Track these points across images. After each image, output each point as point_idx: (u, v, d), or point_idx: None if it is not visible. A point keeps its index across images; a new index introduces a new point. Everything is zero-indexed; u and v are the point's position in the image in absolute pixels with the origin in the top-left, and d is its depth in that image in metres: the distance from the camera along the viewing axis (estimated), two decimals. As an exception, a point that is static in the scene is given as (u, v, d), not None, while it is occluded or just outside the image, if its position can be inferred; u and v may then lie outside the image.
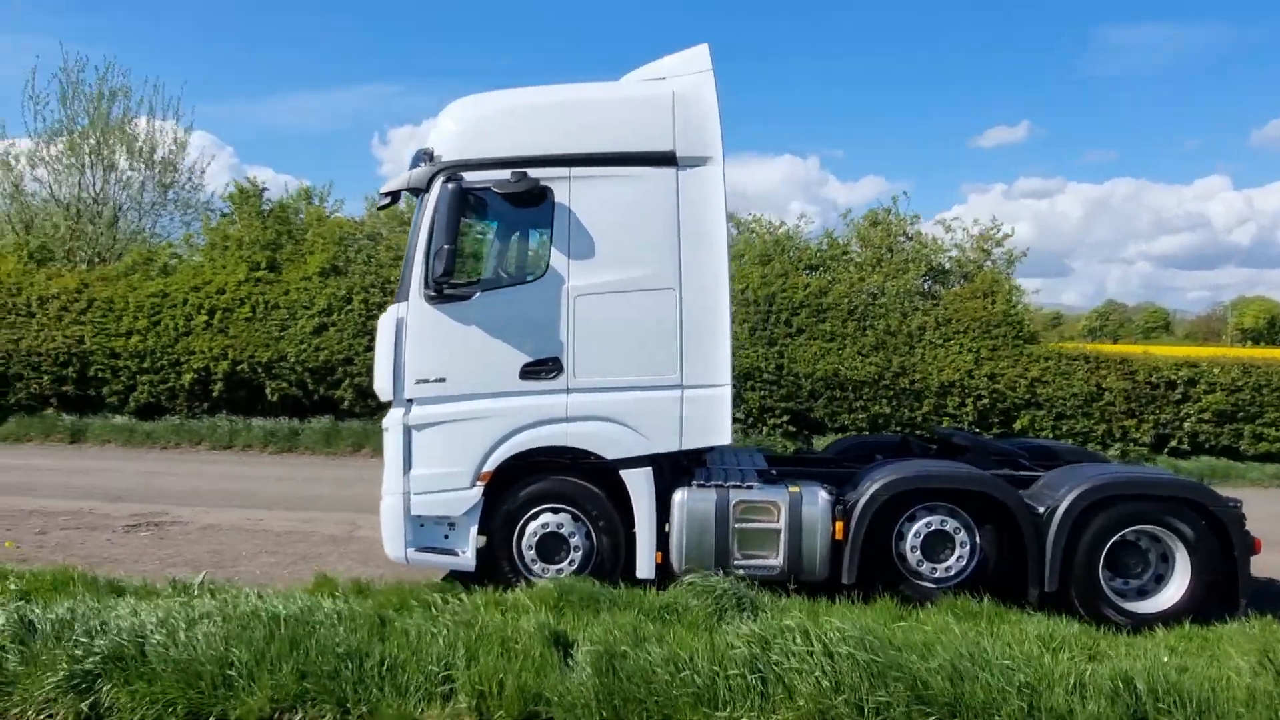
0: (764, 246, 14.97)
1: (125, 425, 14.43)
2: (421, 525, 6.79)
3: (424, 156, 6.83)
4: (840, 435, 12.64)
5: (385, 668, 4.55)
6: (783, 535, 6.53)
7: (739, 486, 6.65)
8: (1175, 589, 6.39)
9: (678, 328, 6.60)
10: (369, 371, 8.04)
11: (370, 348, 8.57)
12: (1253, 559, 6.29)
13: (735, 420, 12.10)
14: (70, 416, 14.65)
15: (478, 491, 6.68)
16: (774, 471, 7.17)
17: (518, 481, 6.77)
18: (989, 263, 14.83)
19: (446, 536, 6.81)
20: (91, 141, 19.08)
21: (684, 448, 6.67)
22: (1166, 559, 6.46)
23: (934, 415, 13.33)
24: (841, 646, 4.43)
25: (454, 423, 6.73)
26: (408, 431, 6.76)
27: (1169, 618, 6.24)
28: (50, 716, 4.39)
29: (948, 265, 14.81)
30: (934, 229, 15.65)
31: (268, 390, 14.36)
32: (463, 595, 5.89)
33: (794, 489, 6.59)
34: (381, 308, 8.66)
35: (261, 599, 5.33)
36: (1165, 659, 4.87)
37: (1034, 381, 13.26)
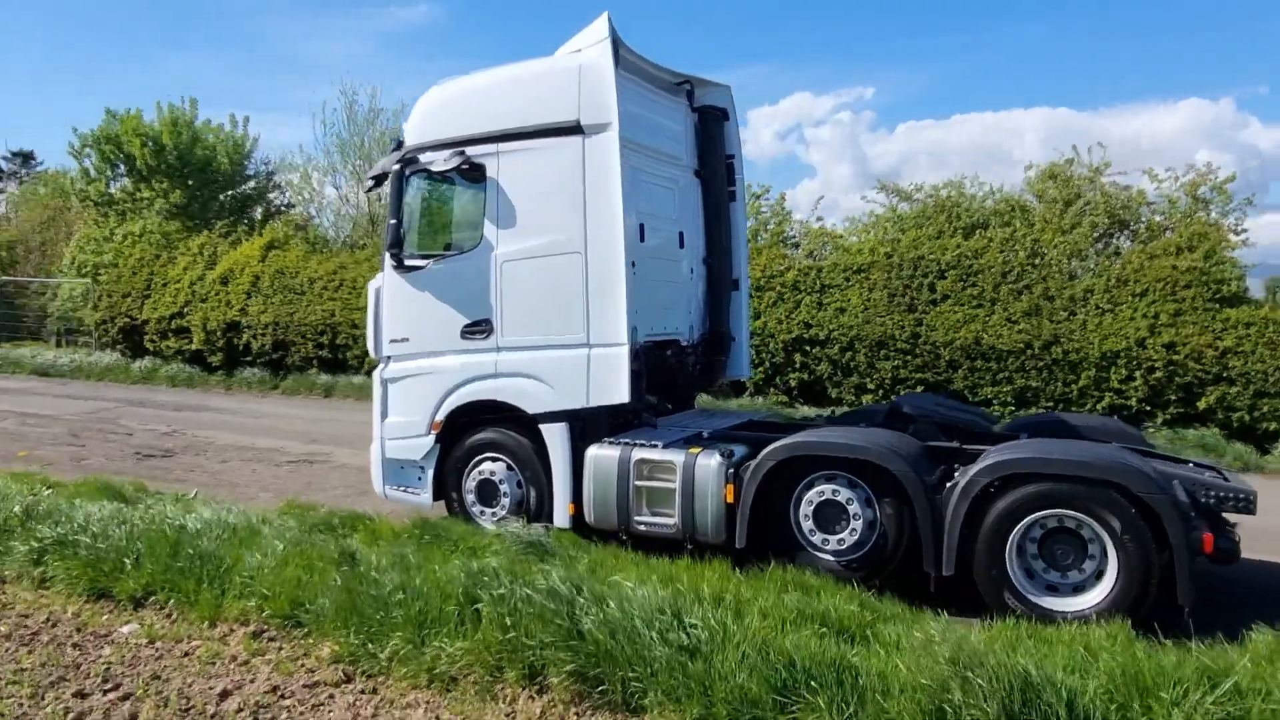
0: (924, 208, 13.95)
1: (362, 384, 17.29)
2: (401, 468, 7.78)
3: (395, 144, 7.75)
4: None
5: (223, 570, 5.58)
6: (678, 495, 6.56)
7: (643, 445, 6.78)
8: (1102, 587, 5.47)
9: (584, 289, 6.86)
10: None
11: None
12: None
13: (867, 391, 11.82)
14: (325, 376, 17.88)
15: (431, 439, 7.51)
16: (705, 434, 7.13)
17: (467, 432, 7.50)
18: (1203, 212, 12.48)
19: (419, 479, 7.74)
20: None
21: (590, 404, 6.91)
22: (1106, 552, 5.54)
23: (1093, 390, 11.64)
24: (535, 592, 4.63)
25: (414, 377, 7.62)
26: (384, 385, 7.79)
27: (1087, 619, 5.36)
28: (20, 576, 6.02)
29: (1144, 218, 12.70)
30: (1139, 179, 13.47)
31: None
32: (362, 525, 6.75)
33: (694, 450, 6.58)
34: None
35: (211, 511, 6.64)
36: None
37: (1226, 352, 11.04)
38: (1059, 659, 4.11)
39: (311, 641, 4.92)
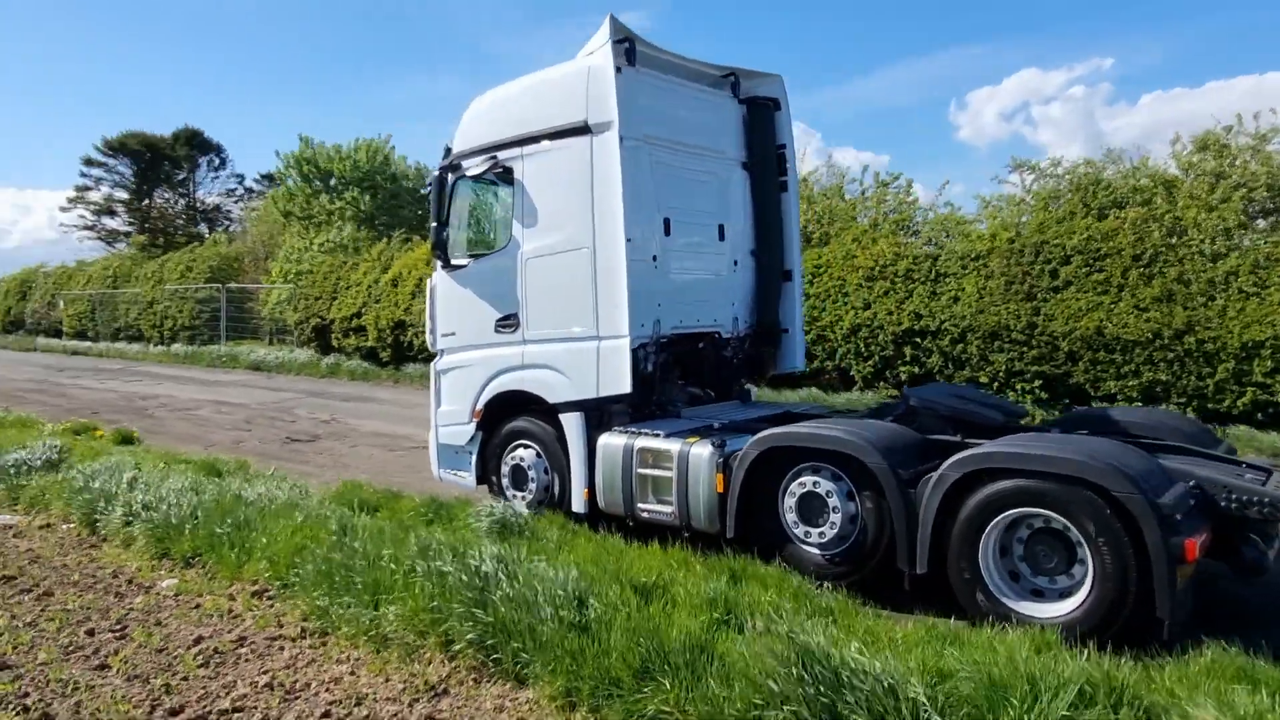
0: (1053, 188, 12.94)
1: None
2: (455, 453, 8.39)
3: (445, 152, 8.34)
4: (1068, 405, 10.68)
5: (251, 538, 6.35)
6: (674, 484, 6.69)
7: (646, 434, 6.95)
8: (1079, 595, 5.06)
9: (593, 284, 7.10)
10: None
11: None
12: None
13: (980, 385, 11.34)
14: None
15: (473, 426, 8.06)
16: (716, 425, 7.18)
17: (504, 420, 7.96)
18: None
19: (467, 463, 8.30)
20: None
21: (600, 395, 7.15)
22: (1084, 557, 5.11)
23: (1232, 384, 10.34)
24: (453, 567, 4.99)
25: (460, 369, 8.20)
26: (437, 376, 8.43)
27: (1063, 628, 4.99)
28: (114, 535, 7.12)
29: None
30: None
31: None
32: (389, 504, 7.37)
33: (691, 440, 6.68)
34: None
35: (266, 487, 7.53)
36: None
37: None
38: (922, 659, 3.91)
39: (293, 602, 5.53)
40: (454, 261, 8.15)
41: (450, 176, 8.05)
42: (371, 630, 4.96)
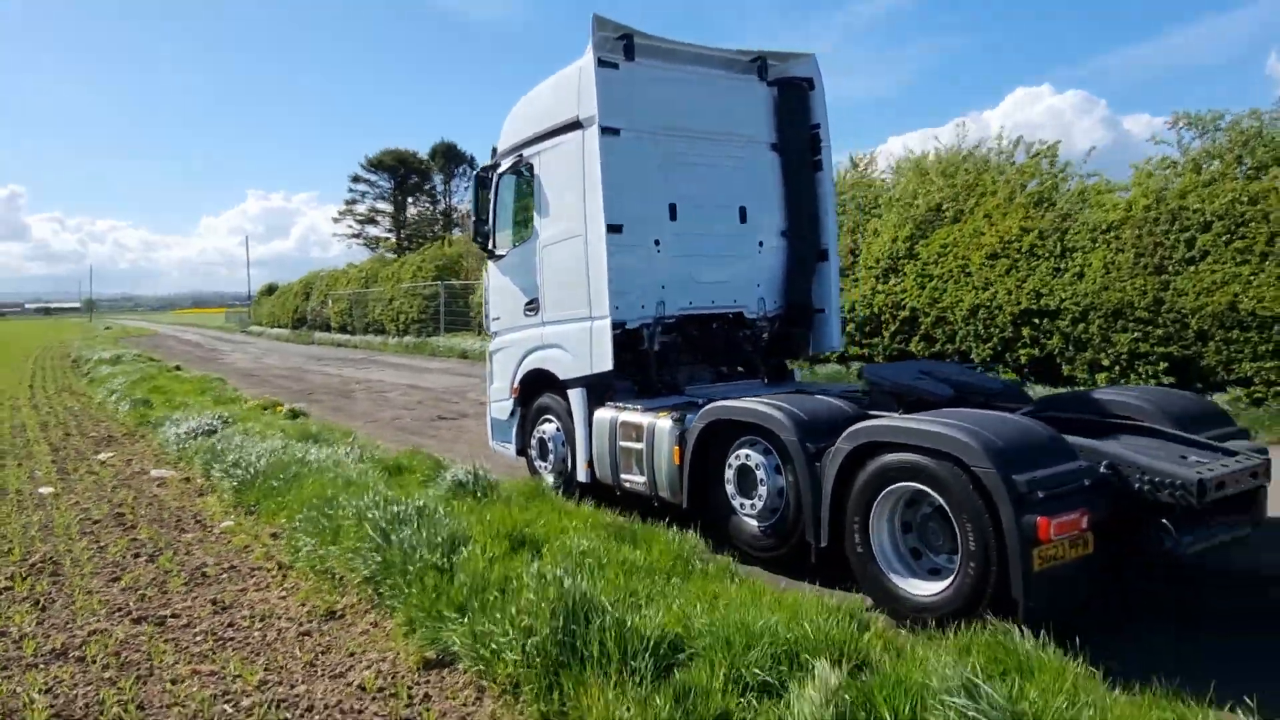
0: (1209, 146, 11.46)
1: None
2: (502, 426, 9.24)
3: (491, 152, 9.17)
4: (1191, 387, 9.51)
5: (290, 490, 7.55)
6: (645, 456, 7.07)
7: (629, 409, 7.37)
8: (952, 573, 4.91)
9: (585, 267, 7.60)
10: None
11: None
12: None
13: (1102, 368, 10.75)
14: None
15: (512, 401, 8.86)
16: (701, 401, 7.40)
17: (534, 396, 8.66)
18: None
19: (509, 435, 9.10)
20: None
21: (592, 372, 7.62)
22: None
23: (1391, 366, 8.74)
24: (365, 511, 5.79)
25: (504, 350, 9.03)
26: (490, 356, 9.33)
27: (934, 610, 4.89)
28: (213, 489, 8.66)
29: None
30: None
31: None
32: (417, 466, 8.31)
33: (661, 414, 7.02)
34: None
35: (330, 450, 8.79)
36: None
37: None
38: (683, 612, 4.13)
39: (286, 540, 6.59)
40: (498, 252, 8.99)
41: (492, 175, 8.90)
42: (317, 564, 5.88)
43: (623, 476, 7.35)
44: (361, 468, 7.93)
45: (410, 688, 4.21)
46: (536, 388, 8.60)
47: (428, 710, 3.97)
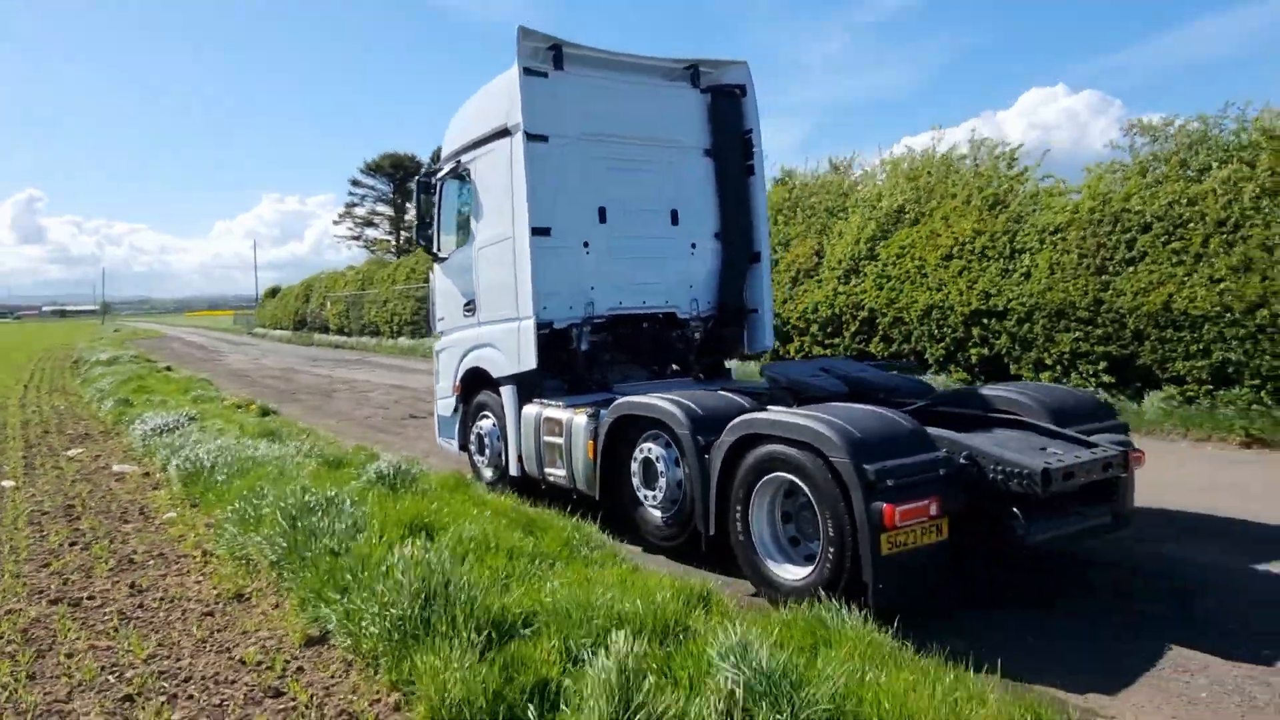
0: (1159, 152, 11.65)
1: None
2: (447, 423, 9.53)
3: (434, 157, 9.47)
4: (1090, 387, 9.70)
5: (232, 485, 7.86)
6: (563, 450, 7.35)
7: (550, 405, 7.65)
8: (815, 560, 5.17)
9: (513, 269, 7.88)
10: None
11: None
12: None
13: (1045, 367, 10.97)
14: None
15: (454, 399, 9.15)
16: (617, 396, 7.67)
17: (473, 394, 8.95)
18: None
19: (453, 432, 9.39)
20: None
21: (520, 370, 7.90)
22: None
23: (1313, 364, 8.92)
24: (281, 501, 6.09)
25: (447, 349, 9.34)
26: (436, 355, 9.63)
27: (802, 594, 5.14)
28: (159, 472, 8.99)
29: None
30: None
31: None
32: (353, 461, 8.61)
33: (579, 410, 7.29)
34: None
35: (280, 447, 9.10)
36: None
37: None
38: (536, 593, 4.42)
39: (215, 529, 6.89)
40: (441, 255, 9.29)
41: (435, 180, 9.21)
42: (236, 551, 6.18)
43: (546, 470, 7.63)
44: (302, 462, 8.23)
45: (287, 662, 4.50)
46: (476, 386, 8.88)
47: (296, 681, 4.26)
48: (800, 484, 5.18)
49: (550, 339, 7.95)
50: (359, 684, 4.21)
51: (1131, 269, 10.66)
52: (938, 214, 13.70)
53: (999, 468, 5.06)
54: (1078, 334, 11.04)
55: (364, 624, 4.39)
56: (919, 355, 13.26)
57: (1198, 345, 9.88)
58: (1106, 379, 10.77)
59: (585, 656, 3.77)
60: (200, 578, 5.97)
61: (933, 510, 4.83)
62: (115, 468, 10.11)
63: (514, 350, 7.97)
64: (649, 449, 6.49)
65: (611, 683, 3.25)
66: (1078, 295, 11.02)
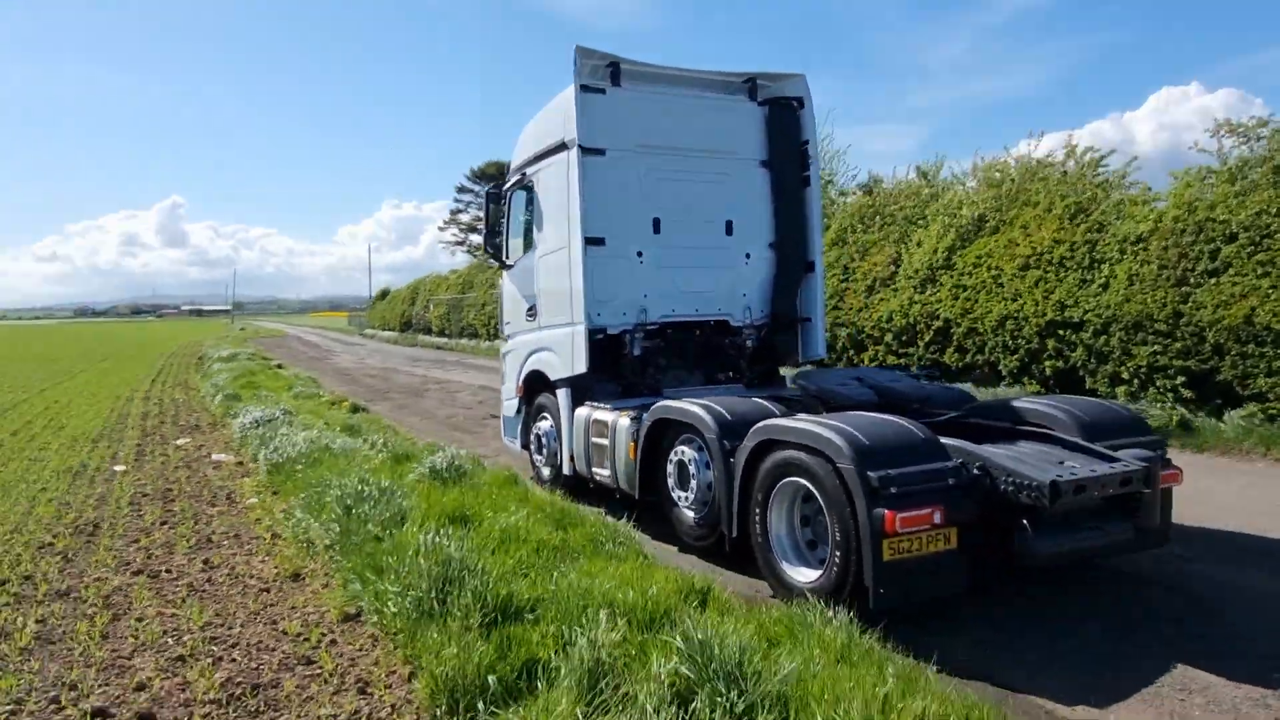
0: (1251, 157, 11.14)
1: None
2: (511, 423, 10.00)
3: (505, 170, 9.94)
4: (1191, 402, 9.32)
5: (312, 471, 8.50)
6: (608, 451, 7.67)
7: (601, 408, 7.97)
8: (825, 563, 5.32)
9: (569, 277, 8.24)
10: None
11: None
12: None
13: (1122, 381, 10.81)
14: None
15: (517, 400, 9.60)
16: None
17: (534, 395, 9.36)
18: None
19: (516, 431, 9.83)
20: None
21: (573, 373, 8.25)
22: None
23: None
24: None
25: (511, 352, 9.81)
26: (502, 358, 10.10)
27: (813, 593, 5.32)
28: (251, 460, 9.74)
29: None
30: None
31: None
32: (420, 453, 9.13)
33: (625, 413, 7.59)
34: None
35: (354, 440, 9.73)
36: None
37: None
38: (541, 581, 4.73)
39: (285, 514, 7.49)
40: (508, 262, 9.77)
41: (503, 191, 9.70)
42: (300, 535, 6.74)
43: (594, 470, 7.97)
44: (369, 455, 8.81)
45: (323, 635, 4.96)
46: (537, 388, 9.30)
47: (327, 652, 4.70)
48: (812, 489, 5.34)
49: (603, 344, 8.29)
50: (380, 657, 4.61)
51: (1214, 280, 10.25)
52: (1018, 222, 13.41)
53: (1010, 479, 5.10)
54: (1155, 347, 10.67)
55: (389, 603, 4.80)
56: (993, 366, 13.01)
57: (1281, 361, 9.44)
58: (1185, 394, 10.38)
59: (576, 639, 4.07)
60: (266, 557, 6.54)
61: (936, 519, 4.91)
62: (214, 457, 10.98)
63: (568, 354, 8.34)
64: (683, 451, 6.73)
65: (585, 662, 3.53)
66: (1156, 307, 10.66)
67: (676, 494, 6.83)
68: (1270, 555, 6.43)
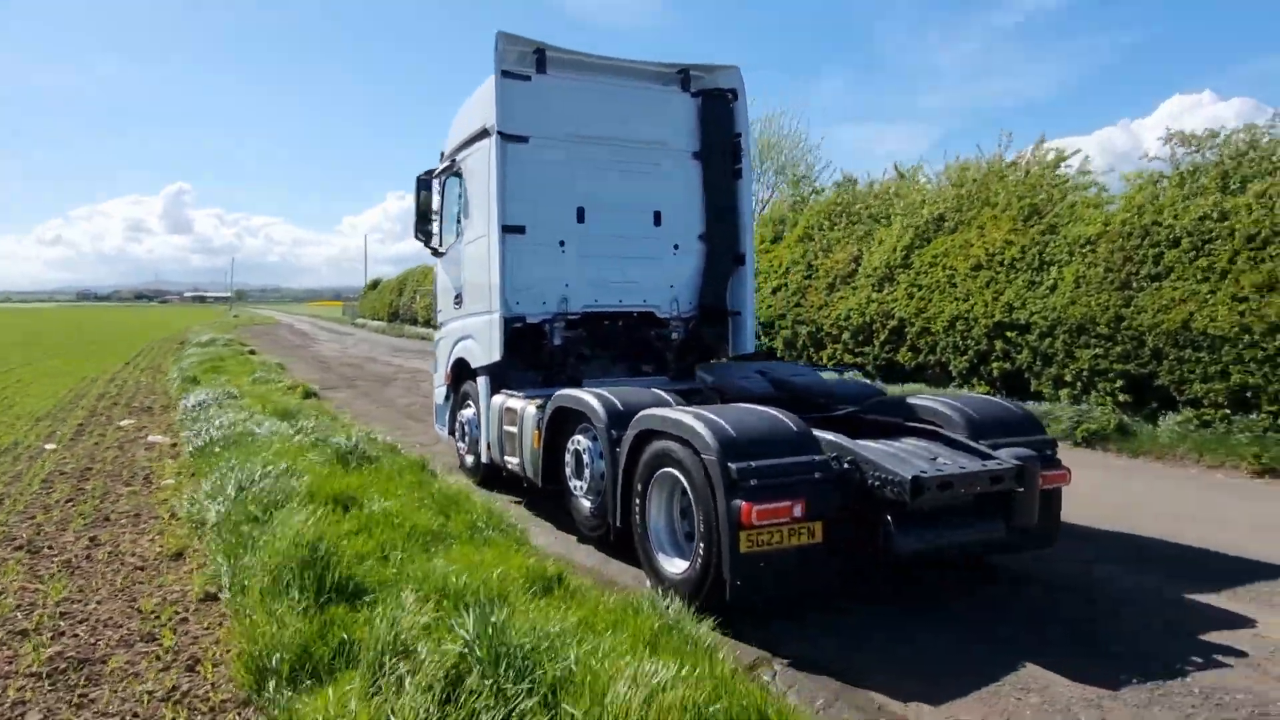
0: (1200, 164, 11.06)
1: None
2: (441, 409, 9.94)
3: (440, 157, 9.88)
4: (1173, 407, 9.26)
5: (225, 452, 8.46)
6: (518, 439, 7.61)
7: (512, 396, 7.91)
8: (692, 553, 5.26)
9: (488, 265, 8.18)
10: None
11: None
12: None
13: (1065, 384, 10.73)
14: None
15: (445, 388, 9.55)
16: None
17: (460, 383, 9.30)
18: None
19: (445, 419, 9.78)
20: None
21: (490, 361, 8.19)
22: None
23: (1331, 391, 8.31)
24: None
25: (442, 340, 9.75)
26: (435, 346, 10.04)
27: (680, 587, 5.27)
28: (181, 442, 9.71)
29: None
30: None
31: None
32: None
33: (533, 401, 7.53)
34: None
35: (281, 425, 9.69)
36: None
37: None
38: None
39: (188, 495, 7.44)
40: (440, 250, 9.71)
41: (434, 178, 9.64)
42: (196, 515, 6.69)
43: (505, 458, 7.92)
44: (289, 438, 8.76)
45: (177, 613, 4.92)
46: (463, 376, 9.24)
47: (173, 630, 4.65)
48: (682, 479, 5.28)
49: (522, 333, 8.23)
50: (222, 636, 4.57)
51: (1156, 285, 10.17)
52: (975, 223, 13.34)
53: (877, 474, 5.04)
54: (1097, 351, 10.59)
55: (244, 582, 4.75)
56: (944, 367, 12.94)
57: (1216, 367, 9.35)
58: (1123, 398, 10.30)
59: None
60: (156, 537, 6.50)
61: (797, 512, 4.84)
62: (150, 438, 10.95)
63: (487, 342, 8.28)
64: (578, 441, 6.68)
65: (380, 643, 3.48)
66: (1099, 310, 10.58)
67: (573, 483, 6.78)
68: (1172, 559, 6.38)
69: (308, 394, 14.82)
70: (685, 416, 5.31)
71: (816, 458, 5.08)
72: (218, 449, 8.70)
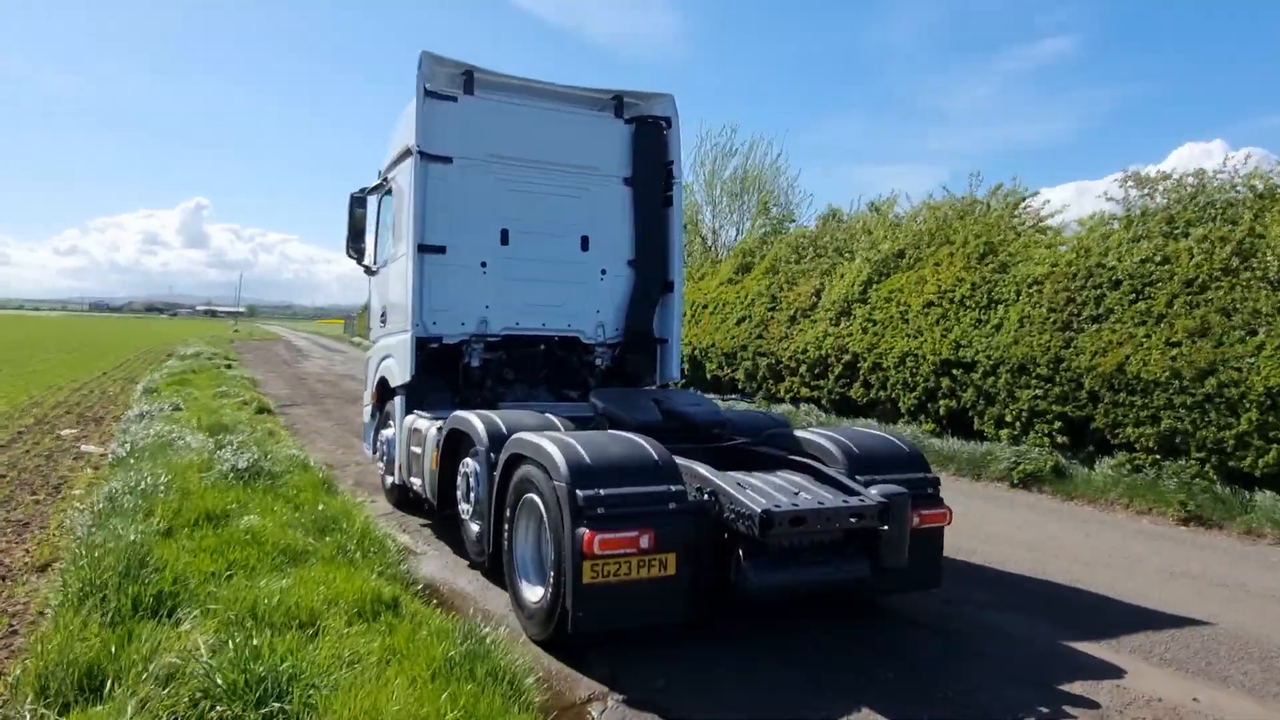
0: (1149, 207, 11.01)
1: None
2: (369, 428, 9.86)
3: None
4: (1110, 450, 9.11)
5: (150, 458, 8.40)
6: (421, 460, 7.53)
7: (422, 416, 7.84)
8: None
9: (405, 284, 8.14)
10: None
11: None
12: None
13: (1005, 424, 10.62)
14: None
15: (371, 407, 9.48)
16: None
17: (384, 402, 9.23)
18: None
19: (371, 438, 9.69)
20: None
21: (404, 381, 8.12)
22: None
23: (1255, 439, 8.17)
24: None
25: (371, 358, 9.69)
26: (366, 363, 9.98)
27: (536, 616, 5.17)
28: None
29: None
30: None
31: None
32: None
33: (437, 422, 7.45)
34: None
35: (206, 438, 9.62)
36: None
37: None
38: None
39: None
40: (372, 268, 9.69)
41: (367, 195, 9.64)
42: (68, 526, 6.61)
43: (411, 479, 7.84)
44: (200, 451, 8.70)
45: (11, 626, 4.83)
46: (386, 395, 9.17)
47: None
48: (540, 505, 5.19)
49: (438, 353, 8.17)
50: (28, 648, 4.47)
51: (1095, 327, 10.07)
52: (932, 260, 13.29)
53: (732, 507, 4.94)
54: (1037, 391, 10.48)
55: (73, 595, 4.67)
56: (894, 403, 12.82)
57: (1148, 411, 9.22)
58: (1061, 440, 10.17)
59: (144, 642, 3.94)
60: (33, 547, 6.41)
61: (644, 543, 4.74)
62: (84, 448, 10.89)
63: (403, 361, 8.22)
64: (467, 463, 6.59)
65: (152, 666, 3.39)
66: (1039, 351, 10.48)
67: (462, 506, 6.68)
68: (1065, 605, 6.24)
69: (261, 409, 14.77)
70: (545, 441, 5.23)
71: (673, 487, 4.99)
72: (132, 460, 8.64)
